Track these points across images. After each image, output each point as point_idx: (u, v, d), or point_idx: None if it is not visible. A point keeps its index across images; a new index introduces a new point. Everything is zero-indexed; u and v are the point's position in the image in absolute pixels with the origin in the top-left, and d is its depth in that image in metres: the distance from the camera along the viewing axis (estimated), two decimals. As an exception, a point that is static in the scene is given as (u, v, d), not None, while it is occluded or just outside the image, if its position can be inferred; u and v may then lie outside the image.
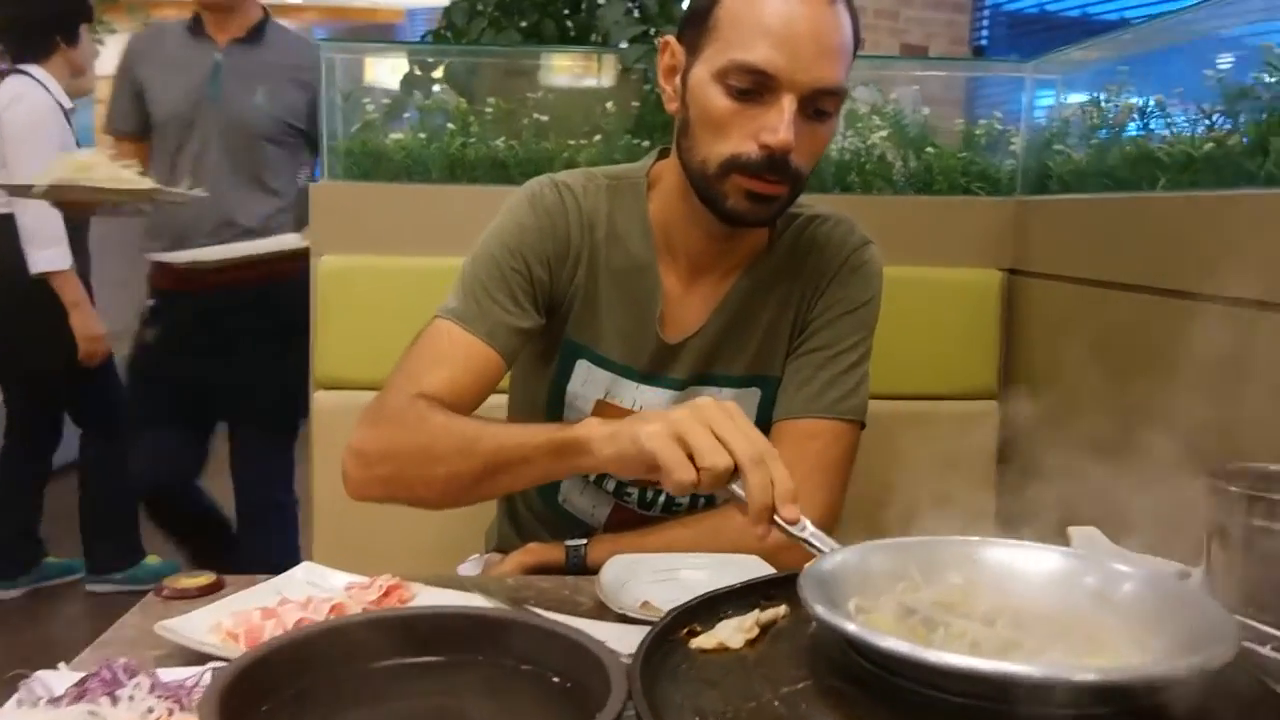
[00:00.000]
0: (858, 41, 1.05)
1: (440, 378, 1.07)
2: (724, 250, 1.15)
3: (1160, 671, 0.54)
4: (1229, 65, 1.30)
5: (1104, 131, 1.55)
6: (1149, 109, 1.45)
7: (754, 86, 0.99)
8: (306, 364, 1.65)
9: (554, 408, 1.20)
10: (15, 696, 0.71)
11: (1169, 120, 1.40)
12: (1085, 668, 0.56)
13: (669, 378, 1.17)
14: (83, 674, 0.71)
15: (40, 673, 0.73)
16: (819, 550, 0.74)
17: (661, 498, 1.21)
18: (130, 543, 3.06)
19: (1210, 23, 1.46)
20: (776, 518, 0.77)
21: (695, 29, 1.05)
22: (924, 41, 5.80)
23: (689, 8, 1.09)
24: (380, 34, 11.29)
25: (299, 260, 1.79)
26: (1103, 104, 1.56)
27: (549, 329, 1.16)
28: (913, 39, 5.78)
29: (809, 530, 0.77)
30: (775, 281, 1.18)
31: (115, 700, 0.67)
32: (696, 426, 0.79)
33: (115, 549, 3.06)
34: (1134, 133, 1.48)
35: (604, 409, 1.17)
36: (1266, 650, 0.61)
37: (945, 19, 5.83)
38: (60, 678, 0.72)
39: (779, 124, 0.98)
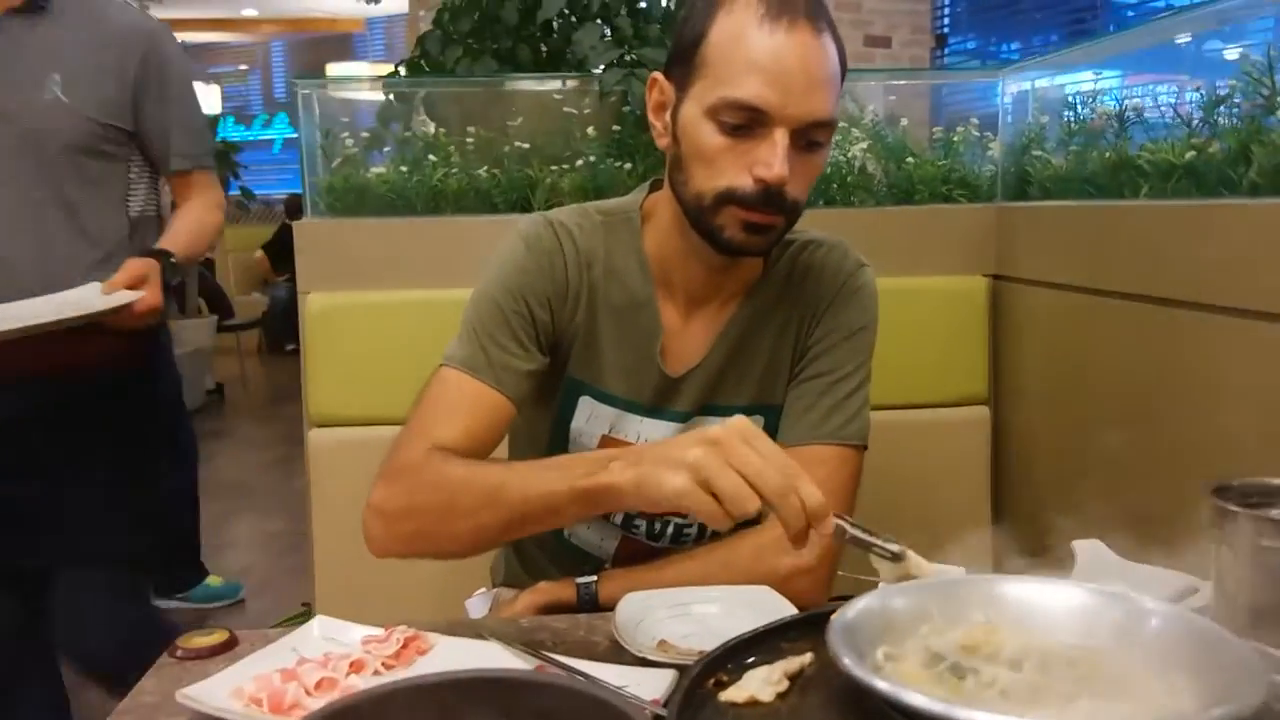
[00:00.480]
0: (844, 69, 1.05)
1: (455, 429, 1.07)
2: (721, 281, 1.16)
3: (1193, 720, 0.55)
4: (1208, 72, 1.32)
5: (1081, 138, 1.57)
6: (1126, 116, 1.47)
7: (746, 122, 1.00)
8: (183, 482, 1.50)
9: (557, 444, 1.21)
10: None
11: (1147, 127, 1.42)
12: None
13: (673, 410, 1.17)
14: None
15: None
16: (876, 546, 0.79)
17: (670, 528, 1.22)
18: (192, 562, 3.03)
19: (1185, 29, 1.49)
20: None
21: (683, 66, 1.05)
22: (887, 32, 5.84)
23: (675, 45, 1.09)
24: (339, 44, 11.25)
25: (141, 337, 1.48)
26: (1080, 110, 1.58)
27: (551, 368, 1.16)
28: (876, 30, 5.82)
29: (850, 533, 0.80)
30: (774, 308, 1.18)
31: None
32: (721, 470, 0.79)
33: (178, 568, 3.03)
34: (1111, 140, 1.50)
35: (609, 444, 1.17)
36: (1286, 681, 0.62)
37: (907, 8, 5.87)
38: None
39: (772, 159, 0.99)
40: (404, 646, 0.93)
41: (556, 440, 1.21)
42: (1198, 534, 0.86)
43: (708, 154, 1.02)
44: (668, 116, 1.09)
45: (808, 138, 1.02)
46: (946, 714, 0.55)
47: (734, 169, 1.01)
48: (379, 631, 0.95)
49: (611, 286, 1.15)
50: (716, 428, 0.83)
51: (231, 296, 7.98)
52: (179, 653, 0.96)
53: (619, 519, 1.22)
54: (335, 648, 0.94)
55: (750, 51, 0.99)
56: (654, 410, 1.17)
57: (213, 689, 0.84)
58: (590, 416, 1.18)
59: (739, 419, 0.83)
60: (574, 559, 1.26)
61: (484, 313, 1.12)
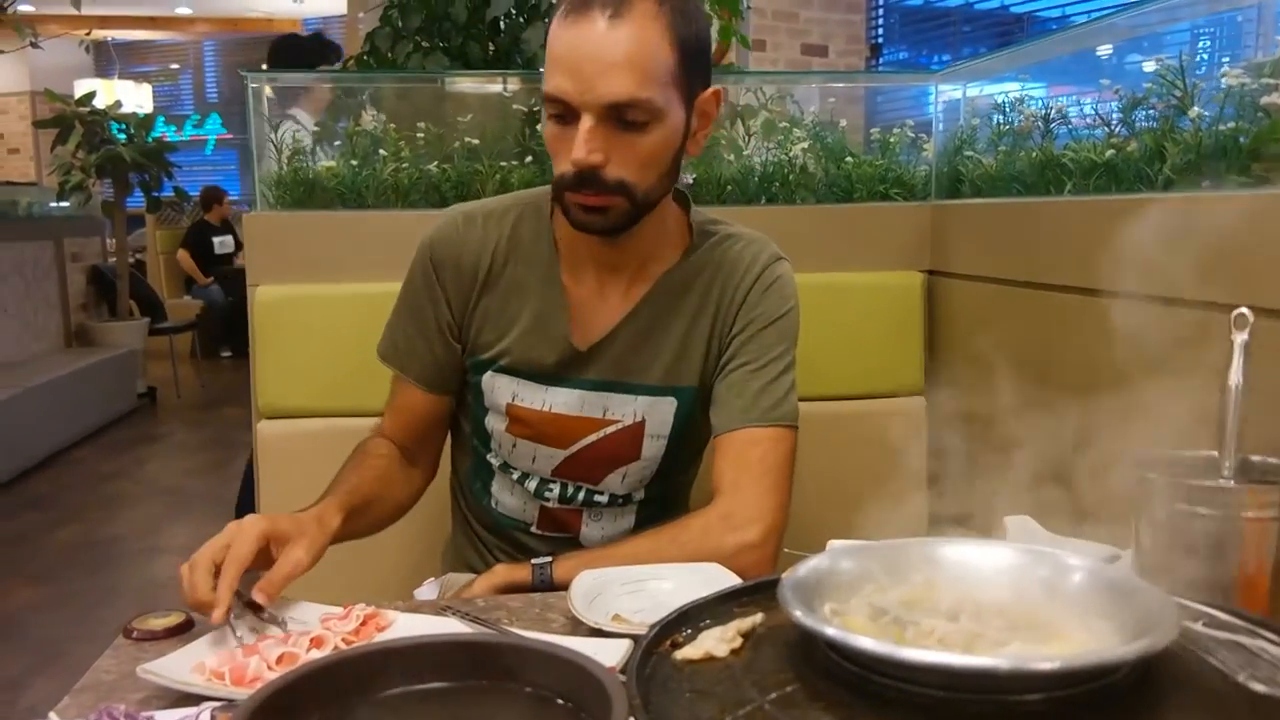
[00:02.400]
0: (686, 53, 1.08)
1: (394, 422, 1.29)
2: (621, 257, 1.21)
3: (1113, 655, 0.59)
4: (1125, 77, 1.40)
5: (1009, 140, 1.64)
6: (1051, 117, 1.54)
7: (562, 112, 1.07)
8: None
9: (478, 417, 1.28)
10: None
11: (1070, 128, 1.49)
12: (1045, 657, 0.61)
13: (580, 379, 1.23)
14: (80, 724, 0.71)
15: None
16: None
17: (581, 493, 1.28)
18: None
19: (1105, 37, 1.56)
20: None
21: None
22: (823, 41, 5.96)
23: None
24: (276, 44, 11.10)
25: None
26: (1007, 112, 1.65)
27: (468, 354, 1.25)
28: (813, 39, 5.93)
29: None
30: (686, 293, 1.23)
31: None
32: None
33: None
34: (1037, 140, 1.57)
35: (515, 410, 1.24)
36: (1199, 626, 0.68)
37: (841, 18, 6.00)
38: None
39: (575, 144, 1.05)
40: (363, 623, 0.95)
41: (477, 414, 1.28)
42: (1119, 508, 0.92)
43: (549, 146, 1.11)
44: None
45: (621, 118, 1.06)
46: (890, 654, 0.59)
47: (561, 155, 1.09)
48: (338, 609, 0.97)
49: (518, 265, 1.22)
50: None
51: (164, 299, 7.81)
52: (135, 634, 0.97)
53: (532, 487, 1.28)
54: (294, 625, 0.95)
55: (554, 49, 1.07)
56: (558, 379, 1.22)
57: (174, 664, 0.85)
58: (494, 388, 1.24)
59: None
60: (508, 527, 1.32)
61: (398, 306, 1.26)
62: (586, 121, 1.04)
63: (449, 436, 1.36)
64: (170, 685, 0.82)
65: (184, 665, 0.86)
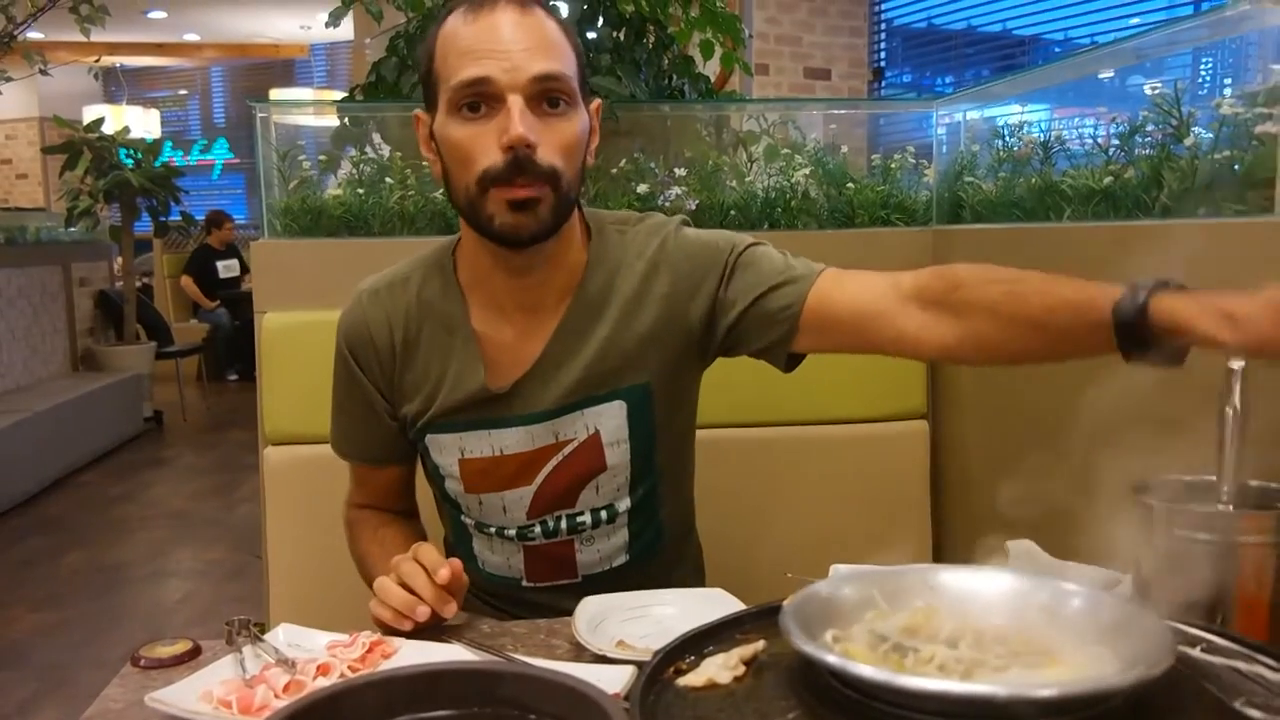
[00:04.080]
0: (577, 49, 1.10)
1: (363, 494, 1.33)
2: (533, 287, 1.17)
3: (1110, 683, 0.60)
4: (1123, 104, 1.41)
5: (1009, 166, 1.66)
6: (1050, 144, 1.56)
7: (479, 98, 1.04)
8: None
9: (440, 484, 1.28)
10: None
11: (1069, 155, 1.51)
12: (1044, 684, 0.62)
13: (520, 415, 1.18)
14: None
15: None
16: None
17: (563, 523, 1.23)
18: None
19: (1103, 64, 1.58)
20: None
21: (427, 89, 1.12)
22: (826, 65, 6.00)
23: (420, 79, 1.15)
24: (281, 70, 11.19)
25: None
26: (1007, 138, 1.67)
27: (403, 423, 1.25)
28: (815, 63, 5.97)
29: None
30: (606, 295, 1.18)
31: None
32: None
33: None
34: (1037, 167, 1.59)
35: (468, 464, 1.21)
36: (1197, 651, 0.69)
37: (845, 42, 6.05)
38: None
39: (508, 122, 1.03)
40: (369, 650, 0.96)
41: (437, 485, 1.29)
42: (1120, 533, 0.93)
43: (460, 146, 1.06)
44: (433, 143, 1.13)
45: (546, 97, 1.05)
46: (889, 682, 0.60)
47: (483, 152, 1.05)
48: (344, 637, 0.98)
49: (427, 325, 1.20)
50: None
51: (170, 323, 7.85)
52: (142, 662, 0.98)
53: (513, 533, 1.24)
54: (300, 653, 0.96)
55: (463, 41, 1.05)
56: (499, 421, 1.19)
57: (181, 692, 0.86)
58: (441, 450, 1.23)
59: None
60: (494, 587, 1.30)
61: (333, 397, 1.29)
62: (516, 102, 1.03)
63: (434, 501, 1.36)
64: (178, 714, 0.83)
65: (191, 694, 0.86)
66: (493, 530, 1.25)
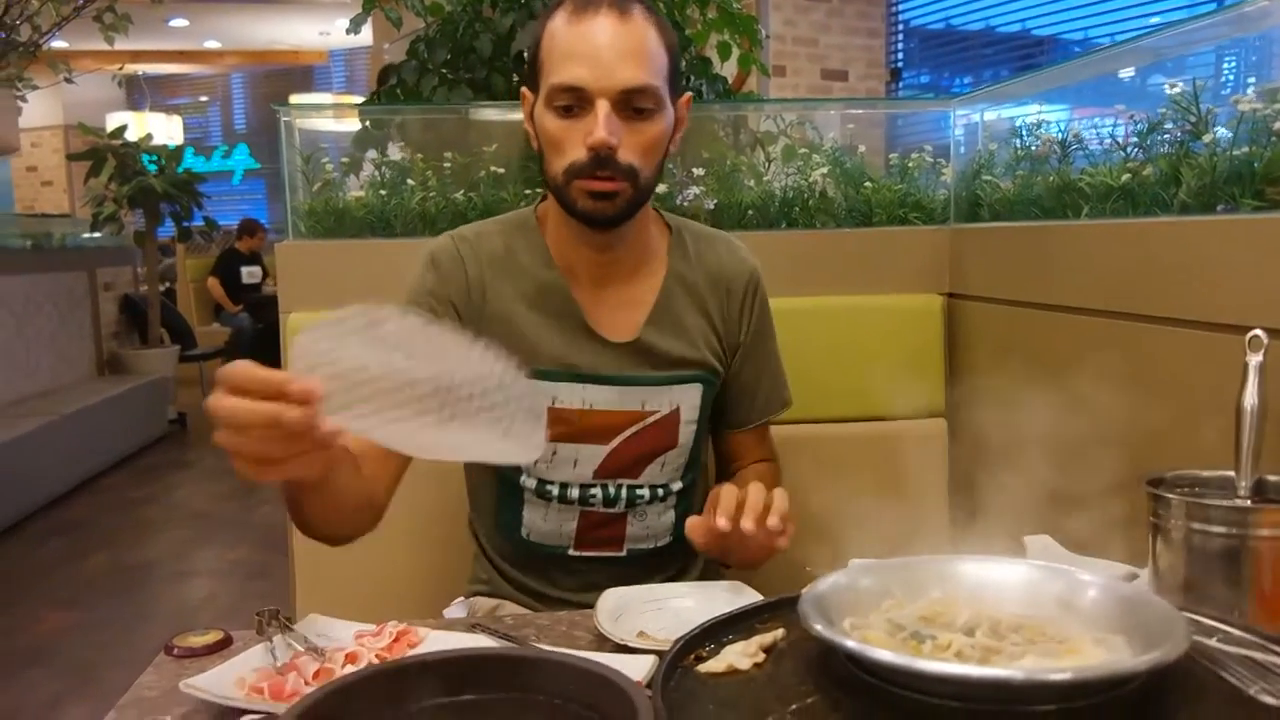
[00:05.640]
0: (672, 51, 1.18)
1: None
2: (612, 263, 1.27)
3: (1125, 667, 0.61)
4: (1141, 102, 1.42)
5: (1027, 164, 1.66)
6: (1067, 142, 1.56)
7: (573, 102, 1.13)
8: None
9: None
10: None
11: (1087, 153, 1.51)
12: (1059, 668, 0.63)
13: (615, 375, 1.27)
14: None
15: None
16: None
17: (624, 492, 1.30)
18: None
19: (1120, 63, 1.59)
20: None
21: (532, 72, 1.20)
22: (844, 66, 6.00)
23: (527, 57, 1.22)
24: (301, 76, 11.28)
25: None
26: (1024, 137, 1.67)
27: None
28: (832, 64, 5.98)
29: None
30: (690, 286, 1.32)
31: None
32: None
33: None
34: (1054, 165, 1.59)
35: (556, 413, 1.26)
36: (1213, 642, 0.69)
37: (862, 43, 6.04)
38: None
39: (595, 126, 1.11)
40: (396, 640, 0.97)
41: None
42: (1137, 527, 0.93)
43: (552, 138, 1.16)
44: (533, 120, 1.21)
45: (632, 105, 1.13)
46: (907, 666, 0.61)
47: (571, 146, 1.14)
48: (371, 627, 1.00)
49: (520, 279, 1.27)
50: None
51: (193, 326, 7.91)
52: (176, 651, 1.00)
53: (575, 493, 1.29)
54: (328, 643, 0.98)
55: (566, 41, 1.13)
56: (595, 377, 1.26)
57: (216, 679, 0.88)
58: None
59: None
60: (536, 555, 1.33)
61: None
62: (603, 107, 1.11)
63: (464, 483, 1.39)
64: (212, 700, 0.85)
65: (226, 680, 0.88)
66: (554, 492, 1.29)
